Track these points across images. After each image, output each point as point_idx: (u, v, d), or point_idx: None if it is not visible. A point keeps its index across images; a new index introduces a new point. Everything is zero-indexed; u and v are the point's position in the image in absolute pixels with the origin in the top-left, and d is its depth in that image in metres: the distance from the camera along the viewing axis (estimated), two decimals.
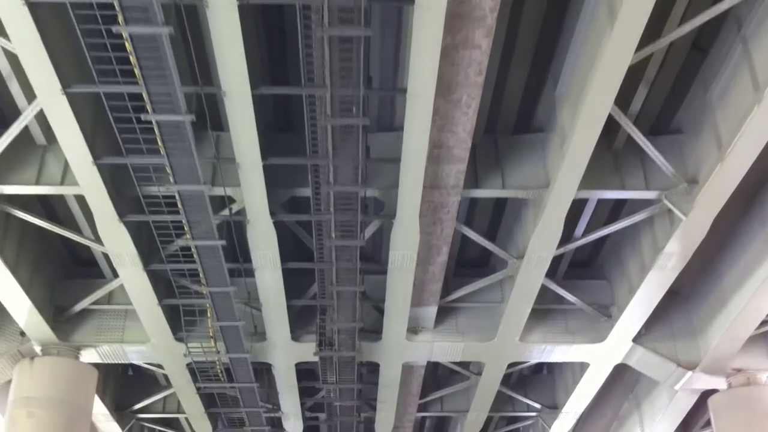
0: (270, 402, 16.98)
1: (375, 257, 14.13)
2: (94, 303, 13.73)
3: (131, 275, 12.00)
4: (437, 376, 18.52)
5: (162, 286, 12.76)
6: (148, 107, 8.49)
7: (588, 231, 12.70)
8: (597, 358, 14.79)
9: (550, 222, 11.12)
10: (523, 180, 11.08)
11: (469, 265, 14.49)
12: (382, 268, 12.68)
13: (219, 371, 14.44)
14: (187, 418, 18.20)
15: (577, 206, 12.32)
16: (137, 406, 17.67)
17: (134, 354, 14.30)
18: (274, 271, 11.95)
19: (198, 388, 15.33)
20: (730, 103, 9.82)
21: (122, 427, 17.70)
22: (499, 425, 20.49)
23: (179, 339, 13.68)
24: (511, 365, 15.63)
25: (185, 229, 10.71)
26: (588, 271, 14.66)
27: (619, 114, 9.87)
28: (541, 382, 18.60)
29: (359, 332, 13.50)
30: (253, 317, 13.69)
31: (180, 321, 13.20)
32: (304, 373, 16.35)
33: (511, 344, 14.28)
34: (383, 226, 12.02)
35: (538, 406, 18.15)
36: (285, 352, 14.36)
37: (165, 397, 18.11)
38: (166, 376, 16.64)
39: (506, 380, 17.60)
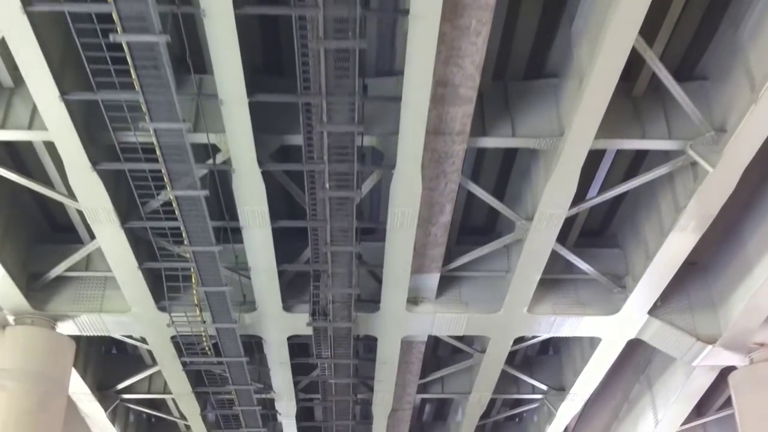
0: (261, 382, 16.07)
1: (373, 222, 13.23)
2: (71, 269, 12.78)
3: (108, 234, 11.06)
4: (437, 356, 17.57)
5: (143, 249, 11.83)
6: (118, 28, 7.53)
7: (603, 191, 11.75)
8: (609, 332, 13.84)
9: (565, 174, 10.17)
10: (534, 128, 10.12)
11: (473, 232, 13.54)
12: (380, 236, 11.84)
13: (206, 345, 13.50)
14: (174, 399, 17.28)
15: (591, 165, 11.43)
16: (121, 386, 16.71)
17: (114, 325, 13.35)
18: (263, 230, 11.01)
19: (184, 364, 14.39)
20: (764, 39, 8.88)
21: (105, 408, 16.77)
22: (502, 409, 19.52)
23: (162, 308, 12.75)
24: (517, 341, 14.69)
25: (165, 180, 9.76)
26: (600, 240, 13.71)
27: (644, 47, 8.94)
28: (547, 363, 17.63)
29: (356, 302, 12.56)
30: (242, 285, 12.77)
31: (163, 289, 12.30)
32: (297, 349, 15.45)
33: (518, 316, 13.34)
34: (381, 183, 11.13)
35: (544, 387, 17.19)
36: (276, 324, 13.42)
37: (150, 377, 17.19)
38: (151, 354, 15.74)
39: (511, 360, 16.70)
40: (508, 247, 13.02)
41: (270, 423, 18.49)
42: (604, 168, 11.91)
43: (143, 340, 14.47)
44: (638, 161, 11.88)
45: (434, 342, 17.32)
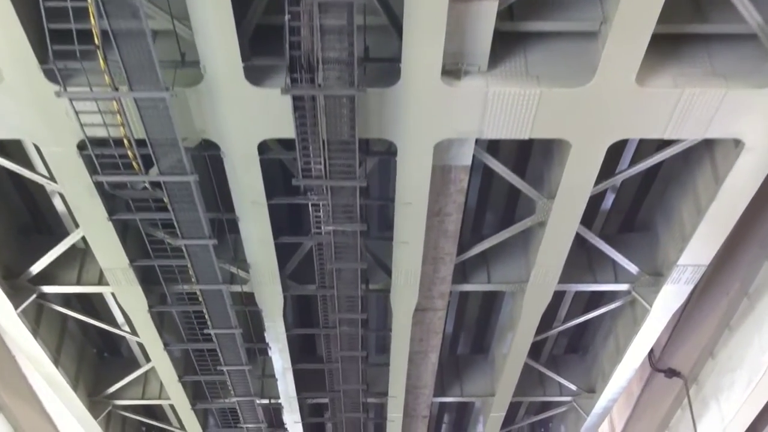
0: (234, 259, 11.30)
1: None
2: None
3: None
4: (481, 236, 12.56)
5: None
6: None
7: None
8: (760, 128, 8.86)
9: None
10: None
11: None
12: None
13: (127, 147, 8.59)
14: (113, 295, 12.44)
15: None
16: (36, 271, 11.85)
17: None
18: None
19: (103, 195, 9.54)
20: None
21: (16, 305, 11.94)
22: (575, 304, 14.36)
23: (50, 74, 7.95)
24: (602, 176, 9.77)
25: None
26: None
27: None
28: (634, 241, 12.51)
29: (361, 60, 7.74)
30: (178, 40, 8.00)
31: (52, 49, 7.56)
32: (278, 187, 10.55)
33: (620, 92, 8.33)
34: None
35: (633, 270, 12.13)
36: (237, 110, 8.51)
37: (81, 265, 12.35)
38: (75, 222, 10.97)
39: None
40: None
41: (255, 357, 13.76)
42: None
43: (42, 167, 9.73)
44: None
45: (476, 212, 12.49)
